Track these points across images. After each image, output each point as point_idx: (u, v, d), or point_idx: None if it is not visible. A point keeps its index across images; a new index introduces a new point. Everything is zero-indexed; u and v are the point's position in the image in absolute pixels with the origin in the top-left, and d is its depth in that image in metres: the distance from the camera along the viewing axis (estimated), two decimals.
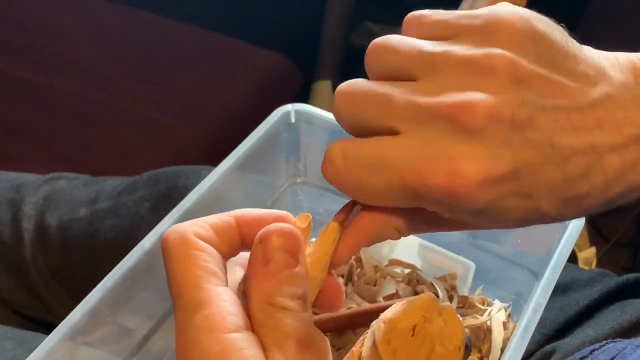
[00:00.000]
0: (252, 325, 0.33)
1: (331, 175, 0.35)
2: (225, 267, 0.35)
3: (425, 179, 0.32)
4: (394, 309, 0.36)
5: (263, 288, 0.33)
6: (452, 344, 0.35)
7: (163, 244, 0.34)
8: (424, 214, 0.35)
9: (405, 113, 0.33)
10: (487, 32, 0.33)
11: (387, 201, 0.34)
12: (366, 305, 0.57)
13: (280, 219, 0.36)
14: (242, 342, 0.31)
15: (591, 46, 0.35)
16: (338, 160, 0.35)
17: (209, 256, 0.34)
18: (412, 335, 0.35)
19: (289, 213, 0.37)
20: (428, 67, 0.34)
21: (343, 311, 0.52)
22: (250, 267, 0.34)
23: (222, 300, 0.32)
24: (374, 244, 0.37)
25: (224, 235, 0.35)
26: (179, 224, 0.35)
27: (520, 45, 0.33)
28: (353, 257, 0.63)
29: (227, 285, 0.34)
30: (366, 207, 0.36)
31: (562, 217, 0.34)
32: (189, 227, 0.34)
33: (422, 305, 0.35)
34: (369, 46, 0.37)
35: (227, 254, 0.36)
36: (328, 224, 0.37)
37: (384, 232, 0.36)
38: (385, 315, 0.36)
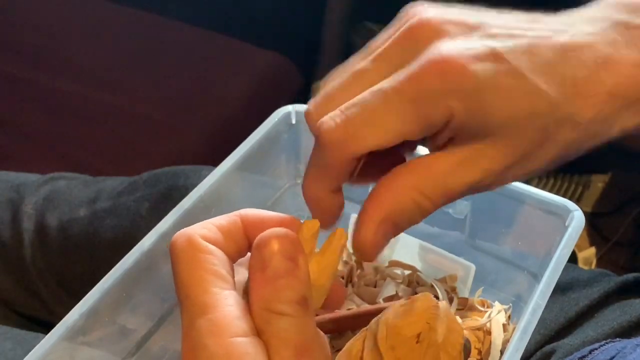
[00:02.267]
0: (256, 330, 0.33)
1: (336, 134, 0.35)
2: (232, 270, 0.35)
3: (420, 80, 0.33)
4: (395, 311, 0.36)
5: (261, 294, 0.33)
6: (455, 350, 0.35)
7: (171, 248, 0.34)
8: (439, 165, 0.35)
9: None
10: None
11: (396, 132, 0.35)
12: (366, 307, 0.57)
13: (284, 223, 0.36)
14: (247, 346, 0.31)
15: None
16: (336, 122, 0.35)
17: (217, 259, 0.34)
18: (417, 342, 0.35)
19: (294, 217, 0.37)
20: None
21: (343, 312, 0.52)
22: (249, 273, 0.33)
23: (228, 304, 0.32)
24: (399, 221, 0.36)
25: (231, 236, 0.35)
26: (187, 227, 0.35)
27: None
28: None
29: (234, 288, 0.34)
30: (380, 181, 0.36)
31: (570, 104, 0.34)
32: (196, 230, 0.34)
33: (424, 311, 0.35)
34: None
35: (235, 255, 0.36)
36: (335, 230, 0.36)
37: (406, 198, 0.35)
38: (386, 317, 0.36)
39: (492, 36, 0.34)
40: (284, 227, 0.34)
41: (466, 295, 0.61)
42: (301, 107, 0.63)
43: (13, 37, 1.26)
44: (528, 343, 0.47)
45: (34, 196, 0.76)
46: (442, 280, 0.61)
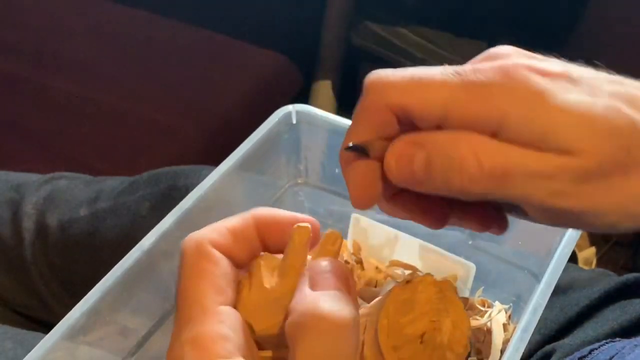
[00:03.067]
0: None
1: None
2: (235, 280, 0.34)
3: (483, 73, 0.33)
4: (396, 301, 0.35)
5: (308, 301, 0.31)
6: (461, 346, 0.35)
7: (181, 252, 0.34)
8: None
9: None
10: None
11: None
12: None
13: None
14: None
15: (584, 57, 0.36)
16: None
17: (220, 271, 0.33)
18: (421, 342, 0.34)
19: (310, 218, 0.36)
20: None
21: None
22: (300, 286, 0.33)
23: (218, 320, 0.31)
24: (431, 168, 0.33)
25: (244, 238, 0.35)
26: (199, 231, 0.34)
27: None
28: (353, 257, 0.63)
29: (231, 303, 0.33)
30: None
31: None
32: (206, 234, 0.34)
33: (427, 303, 0.34)
34: None
35: (246, 258, 0.35)
36: (329, 234, 0.35)
37: (456, 151, 0.33)
38: (386, 308, 0.35)
39: (575, 81, 0.33)
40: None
41: (467, 295, 0.61)
42: (301, 107, 0.63)
43: (13, 37, 1.26)
44: (528, 343, 0.47)
45: (34, 196, 0.76)
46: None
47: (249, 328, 0.33)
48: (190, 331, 0.31)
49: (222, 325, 0.31)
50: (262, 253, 0.36)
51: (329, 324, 0.30)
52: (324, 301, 0.31)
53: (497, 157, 0.32)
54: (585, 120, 0.32)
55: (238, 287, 0.34)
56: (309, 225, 0.34)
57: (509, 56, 0.35)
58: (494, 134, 0.32)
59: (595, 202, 0.32)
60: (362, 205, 0.35)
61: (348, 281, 0.33)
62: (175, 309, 0.33)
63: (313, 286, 0.32)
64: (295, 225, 0.34)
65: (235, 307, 0.33)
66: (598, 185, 0.32)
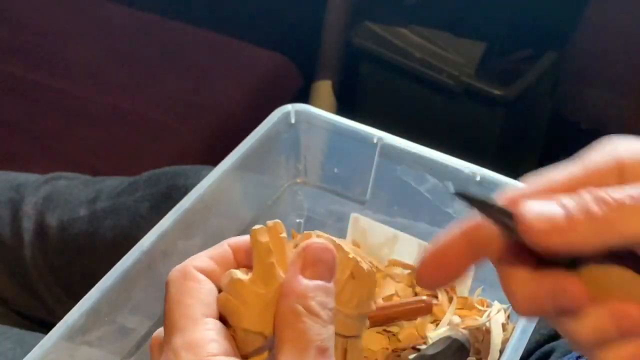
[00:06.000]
0: (275, 324, 0.33)
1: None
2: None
3: None
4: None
5: (299, 291, 0.33)
6: (368, 261, 0.37)
7: (166, 283, 0.35)
8: None
9: None
10: None
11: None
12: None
13: None
14: None
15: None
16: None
17: (204, 288, 0.35)
18: (353, 278, 0.36)
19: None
20: None
21: None
22: (289, 270, 0.34)
23: (206, 328, 0.33)
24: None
25: (224, 264, 0.36)
26: (183, 263, 0.36)
27: None
28: None
29: (217, 317, 0.34)
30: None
31: None
32: (189, 262, 0.36)
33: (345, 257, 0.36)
34: None
35: None
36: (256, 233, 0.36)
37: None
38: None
39: None
40: None
41: (465, 294, 0.61)
42: (300, 107, 0.63)
43: (13, 37, 1.26)
44: (527, 342, 0.47)
45: (34, 196, 0.76)
46: None
47: (261, 337, 0.34)
48: (183, 338, 0.33)
49: (211, 332, 0.33)
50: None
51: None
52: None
53: None
54: None
55: (230, 307, 0.35)
56: (264, 226, 0.35)
57: None
58: None
59: None
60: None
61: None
62: (164, 327, 0.34)
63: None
64: (251, 229, 0.35)
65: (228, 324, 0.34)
66: None
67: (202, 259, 0.36)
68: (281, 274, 0.34)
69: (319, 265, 0.34)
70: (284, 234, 0.35)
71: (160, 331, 0.35)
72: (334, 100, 1.41)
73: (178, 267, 0.35)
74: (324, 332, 0.33)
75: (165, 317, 0.34)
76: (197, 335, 0.33)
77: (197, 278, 0.35)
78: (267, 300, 0.34)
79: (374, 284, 0.37)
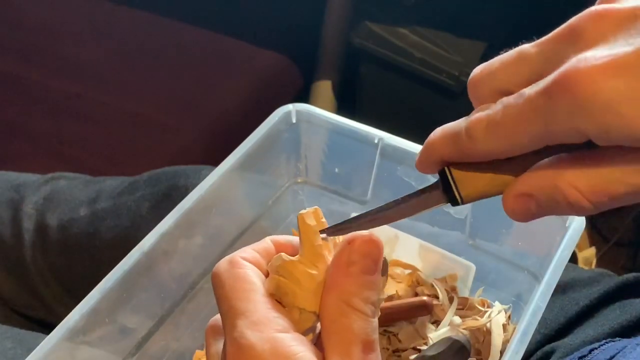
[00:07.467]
0: (320, 314, 0.34)
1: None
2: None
3: (551, 97, 0.31)
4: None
5: (343, 287, 0.34)
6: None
7: (214, 275, 0.36)
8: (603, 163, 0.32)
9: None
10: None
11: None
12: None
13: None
14: (291, 340, 0.33)
15: None
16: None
17: (254, 272, 0.36)
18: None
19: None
20: None
21: None
22: (334, 265, 0.35)
23: (267, 308, 0.34)
24: (544, 208, 0.34)
25: (267, 255, 0.37)
26: (228, 255, 0.37)
27: None
28: None
29: (270, 296, 0.35)
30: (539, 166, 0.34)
31: None
32: (235, 254, 0.37)
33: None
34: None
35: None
36: (304, 216, 0.37)
37: (557, 190, 0.33)
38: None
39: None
40: None
41: (466, 294, 0.61)
42: (301, 107, 0.63)
43: (13, 37, 1.26)
44: (528, 342, 0.47)
45: (34, 196, 0.76)
46: (442, 280, 0.61)
47: (314, 316, 0.35)
48: (246, 319, 0.34)
49: (272, 310, 0.34)
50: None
51: None
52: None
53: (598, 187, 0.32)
54: None
55: (283, 287, 0.35)
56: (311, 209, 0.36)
57: None
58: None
59: None
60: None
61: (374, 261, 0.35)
62: (222, 321, 0.35)
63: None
64: (299, 213, 0.36)
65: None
66: None
67: (247, 251, 0.37)
68: (328, 255, 0.35)
69: (364, 259, 0.34)
70: (324, 219, 0.36)
71: (217, 317, 0.37)
72: (334, 100, 1.41)
73: (225, 258, 0.36)
74: (368, 326, 0.34)
75: (222, 304, 0.35)
76: (259, 314, 0.34)
77: (246, 265, 0.36)
78: (319, 281, 0.35)
79: None
